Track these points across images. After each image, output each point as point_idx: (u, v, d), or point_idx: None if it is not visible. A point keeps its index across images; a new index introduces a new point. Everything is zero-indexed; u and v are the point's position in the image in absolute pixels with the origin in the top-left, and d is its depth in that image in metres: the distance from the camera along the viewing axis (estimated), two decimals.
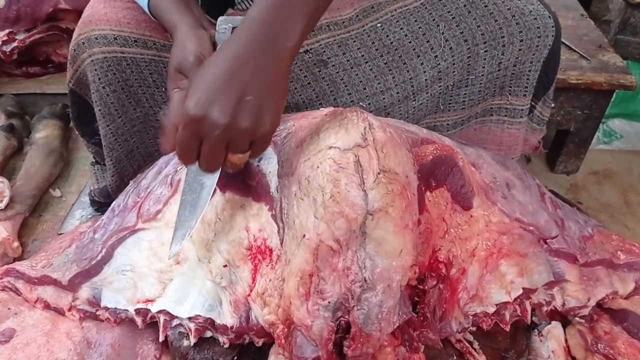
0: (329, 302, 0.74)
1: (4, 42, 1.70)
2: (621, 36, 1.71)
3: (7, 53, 1.70)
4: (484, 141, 1.14)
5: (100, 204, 1.30)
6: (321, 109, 0.97)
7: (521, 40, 1.01)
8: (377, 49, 1.04)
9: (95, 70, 1.01)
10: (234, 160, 0.68)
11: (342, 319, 0.75)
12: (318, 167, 0.72)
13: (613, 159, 1.67)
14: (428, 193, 0.87)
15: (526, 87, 1.06)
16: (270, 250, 0.82)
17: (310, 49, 1.04)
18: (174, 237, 0.78)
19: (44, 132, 1.54)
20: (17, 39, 1.71)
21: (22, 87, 1.76)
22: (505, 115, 1.10)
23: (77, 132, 1.21)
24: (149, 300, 0.89)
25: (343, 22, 1.05)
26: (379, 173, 0.71)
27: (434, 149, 0.88)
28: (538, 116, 1.15)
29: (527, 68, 1.04)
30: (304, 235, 0.73)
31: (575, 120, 1.49)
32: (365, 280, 0.73)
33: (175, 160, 0.96)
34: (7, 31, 1.69)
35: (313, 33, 1.04)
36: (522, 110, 1.09)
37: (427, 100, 1.07)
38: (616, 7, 1.73)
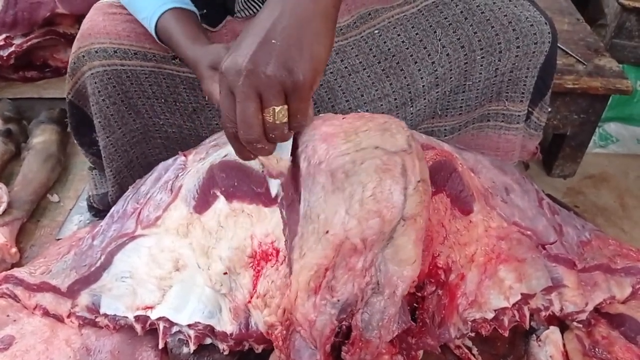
0: (338, 300, 0.74)
1: (1, 47, 1.69)
2: (617, 40, 1.71)
3: (5, 57, 1.70)
4: (481, 146, 1.15)
5: (99, 210, 1.30)
6: (321, 115, 0.97)
7: (518, 47, 1.02)
8: (374, 56, 1.05)
9: (95, 83, 1.02)
10: (270, 121, 0.61)
11: (344, 322, 0.75)
12: (362, 163, 0.71)
13: (609, 162, 1.68)
14: None
15: (523, 93, 1.07)
16: (277, 252, 0.82)
17: None
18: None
19: (42, 137, 1.53)
20: (14, 44, 1.71)
21: (19, 91, 1.75)
22: (502, 121, 1.11)
23: (75, 142, 1.22)
24: (149, 307, 0.89)
25: (340, 30, 1.05)
26: (418, 181, 0.72)
27: (433, 155, 0.89)
28: (535, 122, 1.15)
29: (523, 74, 1.05)
30: (327, 231, 0.72)
31: (572, 124, 1.50)
32: (378, 284, 0.73)
33: (175, 166, 0.96)
34: (4, 36, 1.69)
35: None
36: (519, 116, 1.09)
37: (424, 106, 1.07)
38: (612, 12, 1.74)
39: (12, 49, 1.70)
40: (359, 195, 0.70)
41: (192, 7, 0.98)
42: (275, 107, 0.60)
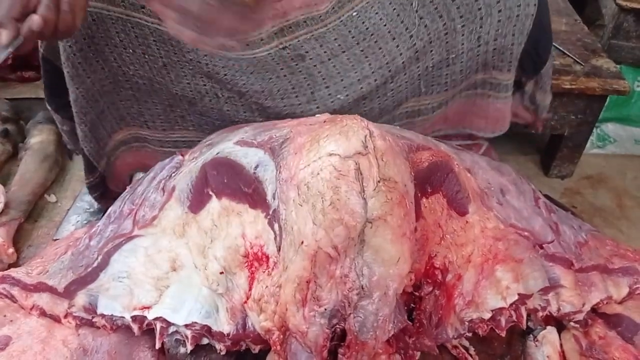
0: (325, 309, 0.75)
1: None
2: (614, 41, 1.72)
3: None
4: (470, 114, 1.11)
5: (97, 189, 1.28)
6: (317, 115, 0.97)
7: (499, 11, 0.97)
8: (353, 37, 1.03)
9: None
10: None
11: (337, 326, 0.75)
12: (318, 173, 0.72)
13: (607, 163, 1.68)
14: (424, 199, 0.87)
15: (510, 62, 1.03)
16: (267, 257, 0.82)
17: (289, 45, 1.03)
18: None
19: (39, 137, 1.53)
20: None
21: (16, 92, 1.74)
22: (490, 89, 1.08)
23: (50, 108, 1.18)
24: (145, 307, 0.89)
25: (320, 17, 1.03)
26: (379, 181, 0.72)
27: (429, 155, 0.89)
28: (530, 94, 1.13)
29: (509, 41, 1.01)
30: (302, 242, 0.73)
31: (569, 125, 1.50)
32: (362, 288, 0.73)
33: (170, 165, 0.96)
34: None
35: (291, 30, 1.03)
36: (507, 85, 1.06)
37: (405, 82, 1.04)
38: (609, 12, 1.74)
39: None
40: (320, 205, 0.72)
41: None
42: None
